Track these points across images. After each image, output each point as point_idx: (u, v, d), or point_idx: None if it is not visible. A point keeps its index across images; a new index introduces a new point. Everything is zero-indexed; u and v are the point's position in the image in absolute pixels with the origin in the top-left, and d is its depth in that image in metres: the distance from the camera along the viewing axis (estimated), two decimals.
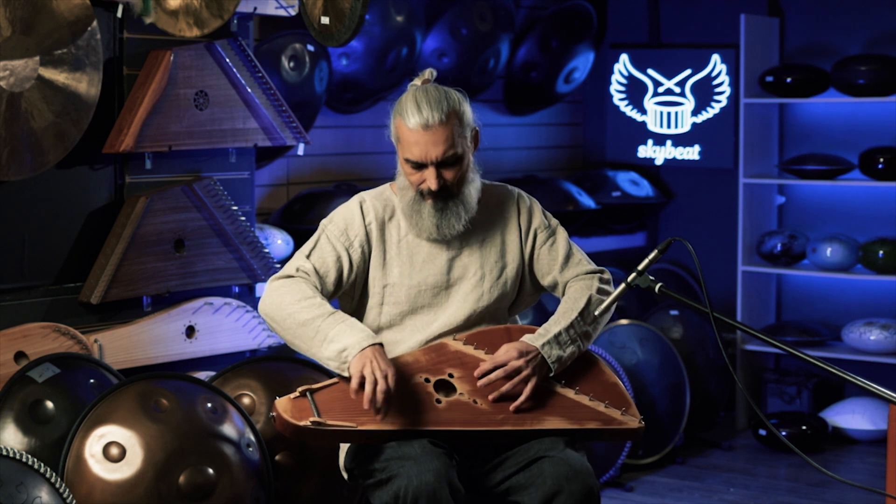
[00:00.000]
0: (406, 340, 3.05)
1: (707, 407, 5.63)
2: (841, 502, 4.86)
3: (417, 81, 3.02)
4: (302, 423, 2.80)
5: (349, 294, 3.08)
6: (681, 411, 5.35)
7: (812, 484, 5.07)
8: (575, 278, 3.12)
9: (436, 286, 3.05)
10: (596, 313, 2.97)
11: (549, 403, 2.97)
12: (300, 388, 2.87)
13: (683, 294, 4.95)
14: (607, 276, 3.15)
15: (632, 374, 5.18)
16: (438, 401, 2.91)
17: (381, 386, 2.78)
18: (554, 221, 3.17)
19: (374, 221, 3.05)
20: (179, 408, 3.50)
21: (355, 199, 3.10)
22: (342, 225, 3.05)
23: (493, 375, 2.94)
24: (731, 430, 5.88)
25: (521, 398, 2.94)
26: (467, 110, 2.99)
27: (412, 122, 2.92)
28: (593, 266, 3.15)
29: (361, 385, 2.79)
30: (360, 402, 2.82)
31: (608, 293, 3.08)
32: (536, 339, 3.00)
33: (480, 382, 2.94)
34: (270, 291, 2.98)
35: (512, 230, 3.13)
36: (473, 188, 3.03)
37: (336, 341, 2.86)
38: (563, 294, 3.13)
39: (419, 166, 2.95)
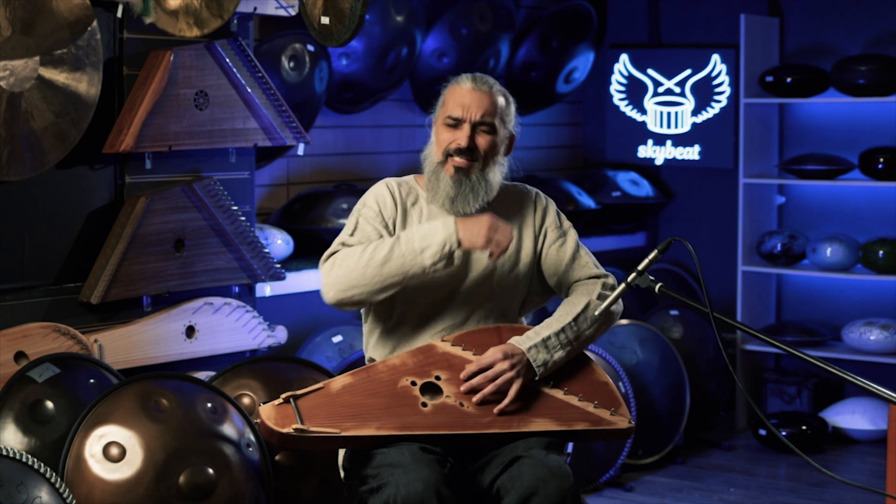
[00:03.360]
0: (411, 330, 3.07)
1: (707, 407, 5.63)
2: (841, 502, 4.86)
3: None
4: (285, 430, 2.81)
5: None
6: (681, 411, 5.35)
7: (812, 484, 5.07)
8: (578, 282, 3.13)
9: (449, 275, 3.05)
10: (596, 314, 2.96)
11: (537, 405, 2.96)
12: (284, 395, 2.88)
13: (683, 294, 4.95)
14: (612, 280, 3.14)
15: (632, 374, 5.18)
16: (424, 404, 2.90)
17: (502, 238, 2.95)
18: (567, 223, 3.22)
19: (399, 205, 3.12)
20: (179, 408, 3.50)
21: (382, 183, 3.17)
22: (376, 207, 3.11)
23: (476, 380, 2.94)
24: (731, 430, 5.88)
25: (506, 401, 2.93)
26: (512, 106, 3.16)
27: (464, 81, 3.10)
28: (599, 270, 3.15)
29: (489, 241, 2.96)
30: (344, 408, 2.85)
31: None
32: (524, 341, 2.99)
33: (463, 387, 2.94)
34: (328, 271, 3.01)
35: (528, 228, 3.17)
36: (497, 175, 3.12)
37: (430, 244, 2.93)
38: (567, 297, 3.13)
39: (456, 124, 3.05)
